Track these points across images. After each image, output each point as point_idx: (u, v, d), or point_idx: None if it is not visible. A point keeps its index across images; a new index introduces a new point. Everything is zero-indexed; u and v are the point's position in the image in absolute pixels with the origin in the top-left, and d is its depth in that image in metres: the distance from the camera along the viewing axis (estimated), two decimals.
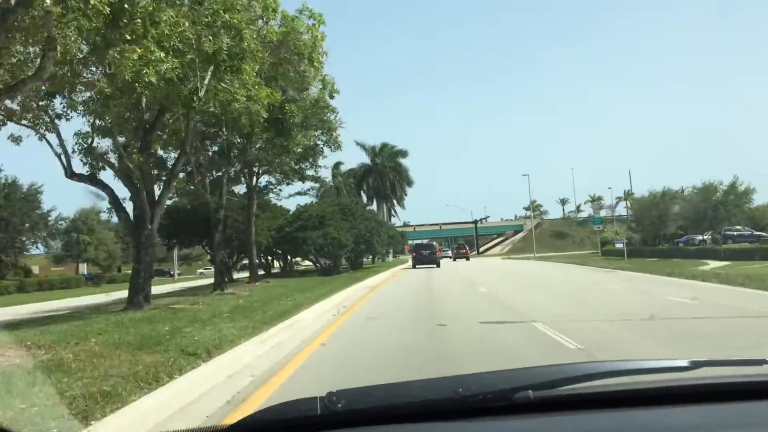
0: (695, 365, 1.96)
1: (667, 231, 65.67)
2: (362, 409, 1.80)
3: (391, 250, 74.75)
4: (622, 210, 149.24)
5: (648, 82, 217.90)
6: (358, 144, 78.22)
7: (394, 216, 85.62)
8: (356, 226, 38.78)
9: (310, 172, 27.23)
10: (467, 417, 1.76)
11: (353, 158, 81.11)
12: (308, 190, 30.27)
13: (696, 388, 1.90)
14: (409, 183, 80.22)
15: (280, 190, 30.46)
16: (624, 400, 1.86)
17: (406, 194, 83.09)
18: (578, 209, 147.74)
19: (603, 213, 74.29)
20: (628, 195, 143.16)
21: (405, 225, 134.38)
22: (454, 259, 73.28)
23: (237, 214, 29.15)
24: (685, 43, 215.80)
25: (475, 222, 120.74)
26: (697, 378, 1.95)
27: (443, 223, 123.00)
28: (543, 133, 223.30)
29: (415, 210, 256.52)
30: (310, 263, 42.01)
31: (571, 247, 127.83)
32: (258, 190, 26.11)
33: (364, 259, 53.40)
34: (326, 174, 47.56)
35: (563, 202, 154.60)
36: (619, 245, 55.95)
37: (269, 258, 43.01)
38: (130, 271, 18.56)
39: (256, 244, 29.46)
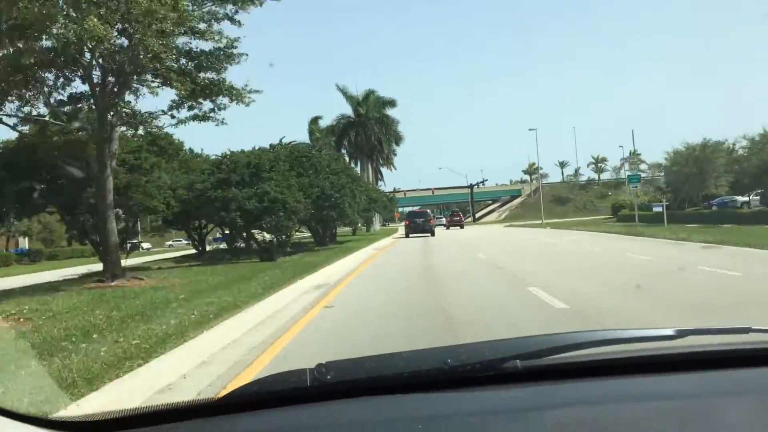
0: (681, 334, 1.95)
1: (707, 191, 55.64)
2: (351, 380, 1.80)
3: (377, 217, 65.30)
4: (628, 172, 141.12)
5: (646, 40, 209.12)
6: (339, 89, 67.54)
7: (381, 180, 76.16)
8: (317, 184, 27.99)
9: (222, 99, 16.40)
10: (456, 387, 1.77)
11: (336, 111, 70.24)
12: (212, 111, 17.09)
13: (682, 356, 1.94)
14: (398, 140, 69.52)
15: (172, 115, 16.28)
16: (612, 369, 1.87)
17: (395, 154, 73.20)
18: (576, 173, 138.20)
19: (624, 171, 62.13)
20: (633, 155, 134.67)
21: (395, 191, 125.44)
22: (448, 227, 68.61)
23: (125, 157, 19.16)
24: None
25: (471, 186, 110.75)
26: (683, 346, 1.96)
27: (436, 188, 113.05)
28: (539, 94, 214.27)
29: (406, 174, 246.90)
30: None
31: (573, 213, 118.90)
32: (128, 114, 15.49)
33: (342, 229, 43.54)
34: (260, 82, 33.15)
35: (563, 165, 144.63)
36: (657, 208, 46.22)
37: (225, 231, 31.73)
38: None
39: (149, 211, 19.66)
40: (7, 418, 1.66)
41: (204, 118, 16.32)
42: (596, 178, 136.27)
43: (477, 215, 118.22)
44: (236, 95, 16.36)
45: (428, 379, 1.77)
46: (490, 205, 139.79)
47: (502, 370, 1.77)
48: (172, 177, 21.44)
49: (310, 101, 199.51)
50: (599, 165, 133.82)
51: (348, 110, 68.41)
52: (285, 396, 1.75)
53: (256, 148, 25.42)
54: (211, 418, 1.73)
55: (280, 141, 30.97)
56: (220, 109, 16.51)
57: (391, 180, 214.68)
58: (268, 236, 23.18)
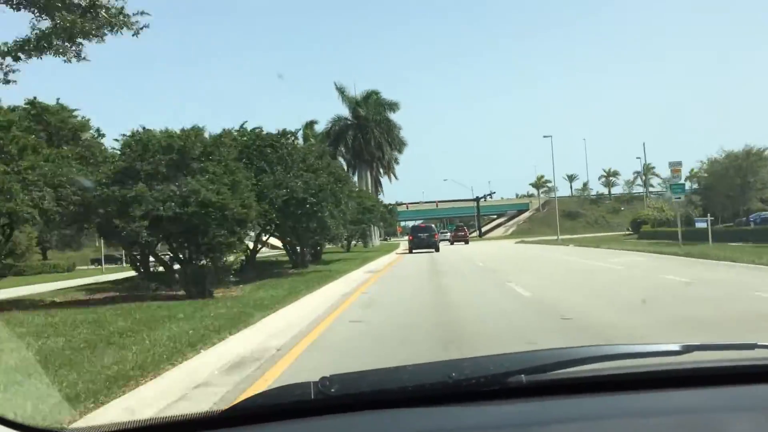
0: (687, 349, 1.94)
1: (749, 205, 48.11)
2: (355, 394, 1.80)
3: (375, 231, 57.80)
4: (639, 186, 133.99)
5: (656, 54, 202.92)
6: (337, 88, 58.78)
7: (380, 192, 68.89)
8: (286, 183, 19.63)
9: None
10: (460, 401, 1.76)
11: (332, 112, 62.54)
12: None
13: (688, 372, 1.93)
14: (401, 146, 61.55)
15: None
16: (616, 384, 1.85)
17: (397, 162, 65.66)
18: (585, 186, 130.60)
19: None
20: (647, 169, 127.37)
21: (397, 204, 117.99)
22: (452, 243, 66.07)
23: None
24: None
25: (477, 199, 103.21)
26: (689, 362, 1.95)
27: (440, 201, 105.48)
28: (547, 106, 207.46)
29: (408, 186, 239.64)
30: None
31: (584, 229, 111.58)
32: None
33: (335, 244, 36.16)
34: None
35: (571, 178, 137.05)
36: (701, 224, 38.31)
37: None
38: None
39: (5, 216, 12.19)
40: (8, 428, 1.56)
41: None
42: (607, 192, 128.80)
43: (482, 230, 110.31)
44: (118, 22, 9.36)
45: (432, 393, 1.76)
46: (495, 219, 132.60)
47: (507, 385, 1.76)
48: (60, 168, 13.85)
49: (309, 108, 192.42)
50: (610, 179, 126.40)
51: (346, 112, 60.92)
52: (289, 409, 1.76)
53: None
54: (216, 430, 1.72)
55: (242, 126, 22.42)
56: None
57: (393, 192, 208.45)
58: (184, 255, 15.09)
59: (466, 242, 66.62)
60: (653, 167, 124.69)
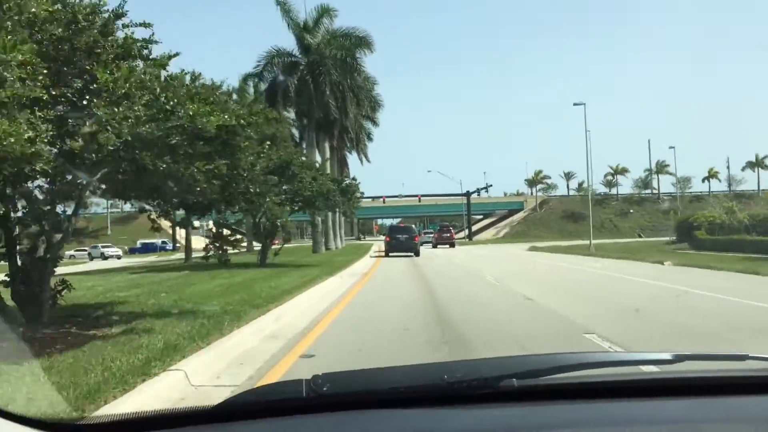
0: (679, 359, 1.95)
1: None
2: (347, 393, 1.80)
3: (334, 225, 42.44)
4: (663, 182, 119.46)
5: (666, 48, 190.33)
6: (277, 2, 36.46)
7: (347, 176, 53.47)
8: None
9: None
10: (452, 403, 1.76)
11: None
12: None
13: (679, 381, 1.96)
14: (375, 107, 43.46)
15: None
16: (608, 391, 1.86)
17: (370, 138, 49.82)
18: (581, 186, 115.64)
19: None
20: (661, 166, 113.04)
21: (374, 198, 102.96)
22: (435, 245, 57.19)
23: None
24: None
25: (468, 194, 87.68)
26: (680, 371, 1.97)
27: (424, 195, 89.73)
28: (546, 97, 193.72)
29: (386, 175, 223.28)
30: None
31: (588, 234, 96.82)
32: None
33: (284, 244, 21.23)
34: None
35: (568, 176, 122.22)
36: None
37: None
38: None
39: None
40: (8, 421, 1.59)
41: None
42: (611, 191, 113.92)
43: (468, 232, 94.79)
44: None
45: (424, 394, 1.78)
46: (481, 219, 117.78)
47: (499, 389, 1.77)
48: None
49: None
50: (615, 177, 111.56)
51: (290, 42, 39.52)
52: (281, 407, 1.77)
53: None
54: (209, 425, 1.75)
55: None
56: None
57: (367, 180, 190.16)
58: None
59: (452, 245, 57.42)
60: (667, 165, 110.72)
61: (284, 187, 19.10)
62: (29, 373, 5.01)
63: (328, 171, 27.68)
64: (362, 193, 23.20)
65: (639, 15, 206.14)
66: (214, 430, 1.71)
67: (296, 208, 20.40)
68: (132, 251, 77.49)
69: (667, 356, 1.95)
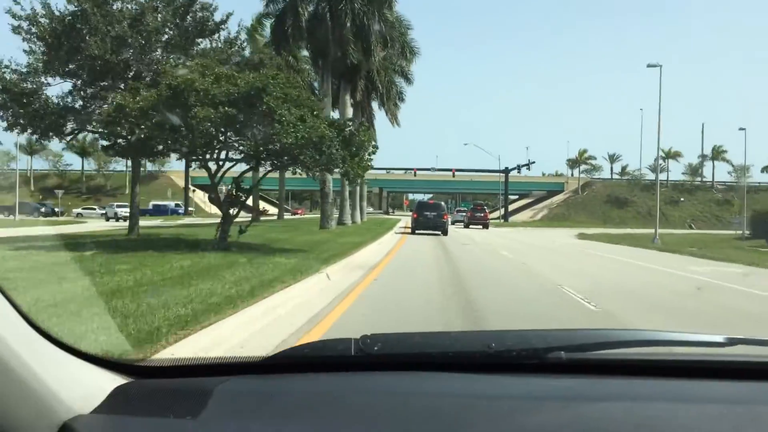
0: (731, 342, 1.88)
1: None
2: (395, 354, 1.83)
3: (353, 198, 36.14)
4: (709, 171, 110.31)
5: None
6: None
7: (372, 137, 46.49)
8: None
9: None
10: (499, 371, 1.76)
11: None
12: None
13: (730, 365, 1.90)
14: (410, 56, 36.02)
15: None
16: (655, 370, 1.86)
17: (402, 96, 42.74)
18: (624, 170, 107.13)
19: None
20: (717, 152, 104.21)
21: (405, 171, 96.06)
22: (467, 225, 53.67)
23: None
24: None
25: (507, 171, 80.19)
26: (732, 354, 1.91)
27: (459, 170, 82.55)
28: (593, 72, 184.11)
29: (419, 147, 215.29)
30: None
31: (635, 221, 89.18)
32: None
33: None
34: None
35: (612, 158, 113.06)
36: None
37: None
38: None
39: None
40: (71, 355, 1.60)
41: None
42: (658, 177, 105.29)
43: (504, 213, 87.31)
44: None
45: (471, 360, 1.78)
46: (517, 200, 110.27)
47: (546, 360, 1.75)
48: None
49: None
50: (667, 161, 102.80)
51: None
52: (330, 362, 1.80)
53: None
54: (261, 375, 1.80)
55: None
56: None
57: (397, 149, 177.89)
58: None
59: (486, 226, 52.52)
60: (724, 150, 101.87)
61: (256, 130, 12.57)
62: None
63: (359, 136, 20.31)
64: (375, 146, 16.20)
65: None
66: (264, 380, 1.76)
67: (269, 163, 13.86)
68: (142, 213, 71.33)
69: (719, 339, 1.88)
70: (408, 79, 42.82)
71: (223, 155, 14.09)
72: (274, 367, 1.80)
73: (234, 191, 13.76)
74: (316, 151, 12.85)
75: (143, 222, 23.81)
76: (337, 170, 13.86)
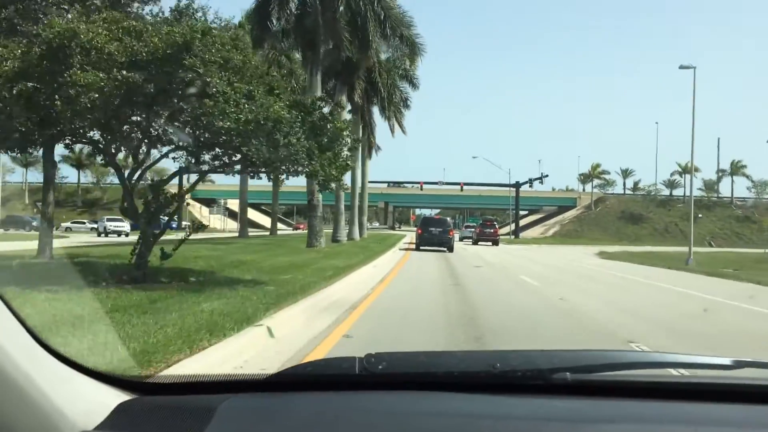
0: (738, 365, 1.87)
1: None
2: (400, 373, 1.82)
3: (352, 211, 32.33)
4: (725, 187, 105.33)
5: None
6: None
7: (375, 151, 43.23)
8: None
9: None
10: (503, 392, 1.75)
11: None
12: None
13: (738, 387, 1.85)
14: (414, 53, 29.89)
15: None
16: (662, 392, 1.82)
17: (407, 102, 38.70)
18: (636, 185, 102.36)
19: None
20: (736, 167, 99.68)
21: (411, 184, 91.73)
22: (476, 242, 50.39)
23: None
24: None
25: (518, 185, 75.81)
26: (740, 378, 1.89)
27: (467, 183, 78.27)
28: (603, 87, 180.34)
29: (426, 158, 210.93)
30: None
31: (651, 238, 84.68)
32: None
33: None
34: None
35: (625, 173, 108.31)
36: None
37: None
38: None
39: None
40: (75, 370, 1.60)
41: None
42: (671, 194, 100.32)
43: (515, 228, 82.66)
44: None
45: (476, 380, 1.78)
46: (526, 216, 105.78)
47: (552, 381, 1.74)
48: None
49: None
50: (684, 176, 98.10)
51: None
52: (334, 381, 1.80)
53: None
54: (265, 393, 1.80)
55: None
56: None
57: (401, 160, 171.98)
58: None
59: (495, 243, 49.66)
60: (743, 165, 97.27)
61: (178, 107, 8.47)
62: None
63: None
64: (356, 140, 12.01)
65: None
66: (268, 398, 1.76)
67: (199, 159, 9.67)
68: (135, 227, 66.79)
69: (726, 361, 1.87)
70: (413, 84, 38.89)
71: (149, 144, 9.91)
72: (278, 385, 1.81)
73: (152, 198, 9.61)
74: (267, 141, 8.69)
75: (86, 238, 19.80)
76: (301, 170, 9.57)
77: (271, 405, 1.70)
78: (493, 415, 1.60)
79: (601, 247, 53.31)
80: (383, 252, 26.15)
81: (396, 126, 40.41)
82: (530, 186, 72.71)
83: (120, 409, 1.58)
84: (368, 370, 1.73)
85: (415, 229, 62.11)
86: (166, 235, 11.38)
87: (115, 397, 1.63)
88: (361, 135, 33.48)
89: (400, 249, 33.35)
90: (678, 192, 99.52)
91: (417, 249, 33.55)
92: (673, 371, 1.94)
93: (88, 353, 4.66)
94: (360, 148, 39.75)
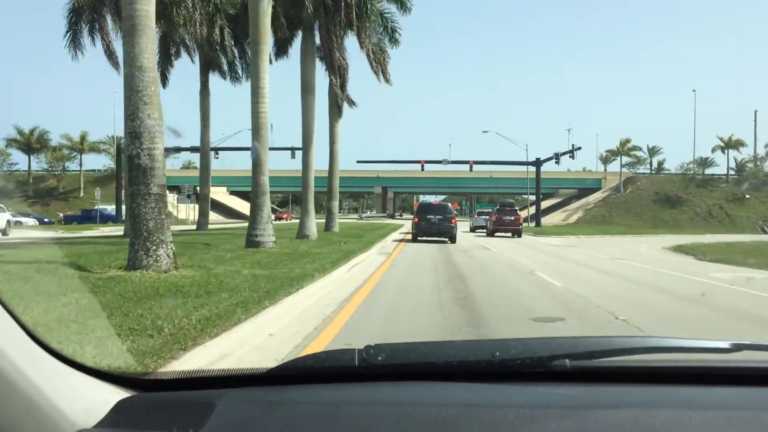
0: (737, 347, 1.87)
1: None
2: (400, 364, 1.81)
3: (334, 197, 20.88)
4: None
5: None
6: None
7: (339, 116, 31.99)
8: None
9: None
10: (503, 380, 1.76)
11: None
12: None
13: (737, 371, 1.88)
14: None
15: None
16: (661, 377, 1.83)
17: (395, 34, 26.88)
18: (660, 165, 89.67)
19: None
20: None
21: (409, 162, 79.37)
22: (492, 233, 38.62)
23: None
24: None
25: (538, 162, 63.13)
26: (738, 360, 1.89)
27: (477, 161, 65.67)
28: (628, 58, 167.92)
29: (428, 136, 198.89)
30: None
31: (693, 224, 71.88)
32: None
33: None
34: None
35: (652, 151, 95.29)
36: None
37: None
38: None
39: None
40: (73, 368, 1.59)
41: None
42: (704, 172, 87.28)
43: (535, 214, 69.63)
44: None
45: (476, 369, 1.78)
46: (542, 200, 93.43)
47: (551, 368, 1.74)
48: None
49: None
50: (727, 151, 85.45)
51: None
52: (334, 373, 1.79)
53: None
54: (265, 387, 1.79)
55: None
56: None
57: (408, 142, 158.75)
58: None
59: (518, 234, 38.53)
60: None
61: None
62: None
63: None
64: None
65: None
66: (268, 391, 1.74)
67: None
68: (68, 220, 55.68)
69: (725, 345, 1.87)
70: (403, 5, 26.74)
71: None
72: (278, 378, 1.80)
73: None
74: None
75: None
76: None
77: (271, 398, 1.69)
78: (494, 404, 1.59)
79: (658, 238, 41.10)
80: (361, 251, 18.35)
81: (381, 75, 28.78)
82: (556, 162, 59.89)
83: (119, 406, 1.58)
84: (368, 362, 1.73)
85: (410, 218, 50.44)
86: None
87: (115, 394, 1.63)
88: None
89: (394, 240, 29.76)
90: (726, 170, 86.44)
91: (414, 240, 29.47)
92: (671, 356, 1.80)
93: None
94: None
